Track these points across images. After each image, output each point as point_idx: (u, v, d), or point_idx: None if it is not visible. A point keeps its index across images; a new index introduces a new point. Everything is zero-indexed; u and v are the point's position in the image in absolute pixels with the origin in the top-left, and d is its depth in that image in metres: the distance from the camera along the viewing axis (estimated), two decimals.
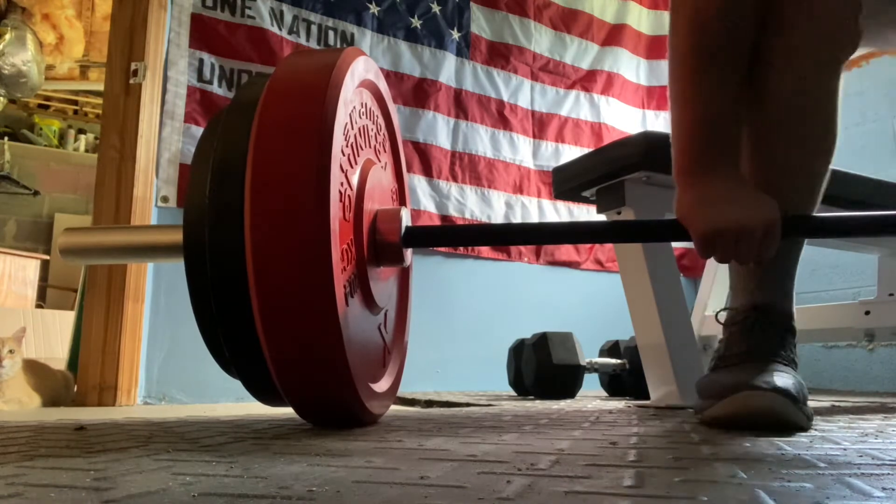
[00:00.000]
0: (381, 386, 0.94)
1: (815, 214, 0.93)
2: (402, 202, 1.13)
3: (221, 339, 0.78)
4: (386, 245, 0.88)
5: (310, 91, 0.75)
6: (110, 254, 0.90)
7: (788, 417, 0.79)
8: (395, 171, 1.11)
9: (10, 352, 1.46)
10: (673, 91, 0.92)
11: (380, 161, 0.99)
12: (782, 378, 0.81)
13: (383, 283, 0.93)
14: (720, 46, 0.88)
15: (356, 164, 0.85)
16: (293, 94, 0.76)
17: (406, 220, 0.90)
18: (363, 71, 0.88)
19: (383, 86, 1.00)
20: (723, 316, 0.96)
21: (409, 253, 0.94)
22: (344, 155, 0.79)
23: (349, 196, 0.81)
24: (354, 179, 0.84)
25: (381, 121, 1.03)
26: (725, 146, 0.89)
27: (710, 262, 2.03)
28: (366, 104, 0.94)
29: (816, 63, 0.89)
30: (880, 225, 0.90)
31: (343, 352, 0.71)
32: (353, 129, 0.85)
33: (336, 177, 0.73)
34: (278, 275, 0.69)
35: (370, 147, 0.94)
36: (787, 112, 0.91)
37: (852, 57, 0.92)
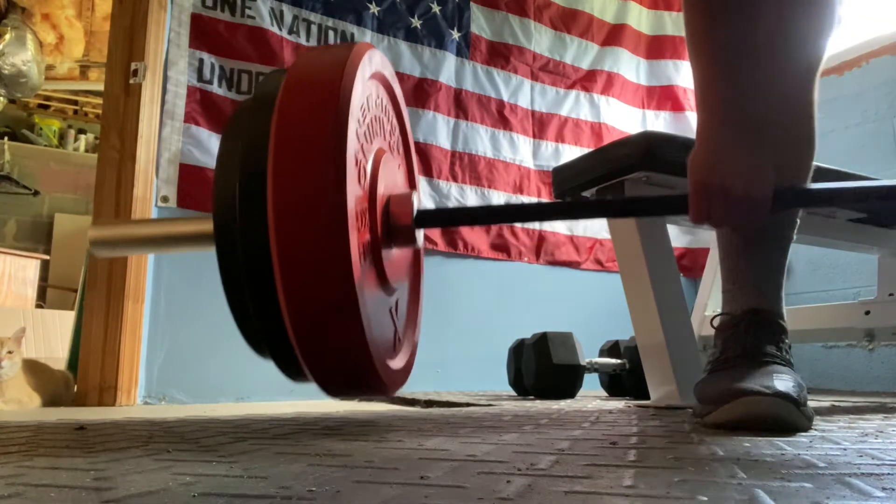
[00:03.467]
0: (395, 365, 0.96)
1: (804, 187, 0.94)
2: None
3: (251, 321, 0.79)
4: (399, 228, 0.89)
5: (328, 76, 0.77)
6: (140, 245, 0.92)
7: (791, 421, 0.79)
8: (406, 172, 1.12)
9: (10, 353, 1.46)
10: (690, 44, 0.91)
11: (393, 158, 1.00)
12: (782, 381, 0.81)
13: (396, 268, 0.95)
14: None
15: (370, 148, 0.87)
16: (313, 80, 0.78)
17: (417, 203, 0.92)
18: (379, 63, 0.90)
19: (397, 88, 1.02)
20: (717, 321, 0.97)
21: (420, 235, 0.96)
22: (359, 140, 0.81)
23: (363, 171, 0.83)
24: (368, 166, 0.86)
25: (394, 121, 1.04)
26: (741, 97, 0.87)
27: (711, 262, 2.03)
28: (380, 97, 0.96)
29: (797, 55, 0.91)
30: (870, 195, 0.90)
31: (358, 310, 0.72)
32: (369, 111, 0.87)
33: (352, 145, 0.75)
34: (298, 244, 0.71)
35: (384, 139, 0.95)
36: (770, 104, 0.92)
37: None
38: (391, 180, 0.93)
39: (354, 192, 0.74)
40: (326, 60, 0.80)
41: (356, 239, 0.74)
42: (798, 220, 0.99)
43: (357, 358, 0.76)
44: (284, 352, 0.79)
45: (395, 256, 0.95)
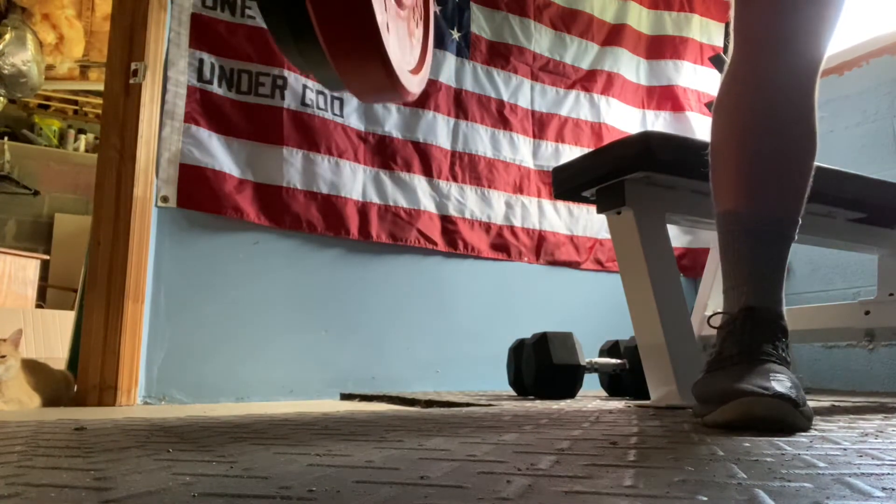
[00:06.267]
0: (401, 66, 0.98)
1: None
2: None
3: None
4: None
5: None
6: None
7: (790, 422, 0.79)
8: None
9: (2, 357, 1.45)
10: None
11: None
12: (780, 381, 0.81)
13: None
14: None
15: None
16: None
17: None
18: None
19: None
20: (716, 320, 0.97)
21: None
22: None
23: None
24: None
25: None
26: None
27: (711, 262, 2.03)
28: None
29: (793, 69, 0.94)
30: None
31: None
32: None
33: None
34: None
35: None
36: (771, 115, 0.96)
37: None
38: None
39: None
40: None
41: None
42: (800, 220, 0.99)
43: (368, 25, 0.77)
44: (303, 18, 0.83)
45: None
